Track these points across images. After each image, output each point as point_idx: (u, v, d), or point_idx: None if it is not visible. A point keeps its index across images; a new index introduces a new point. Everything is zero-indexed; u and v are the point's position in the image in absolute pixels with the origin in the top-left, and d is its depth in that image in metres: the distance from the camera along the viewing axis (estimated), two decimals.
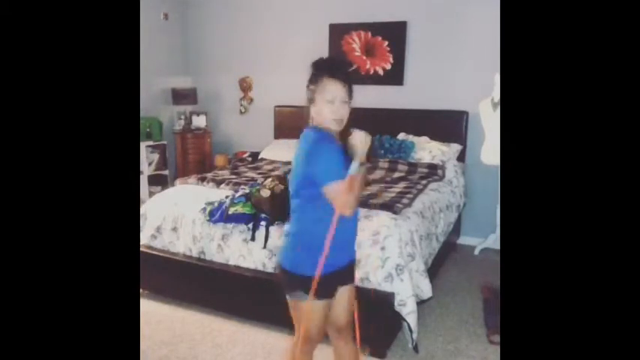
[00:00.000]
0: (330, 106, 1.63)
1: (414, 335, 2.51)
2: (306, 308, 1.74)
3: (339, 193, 1.58)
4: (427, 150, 4.02)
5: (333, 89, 1.63)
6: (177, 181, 3.78)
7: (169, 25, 5.21)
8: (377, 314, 2.44)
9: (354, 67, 4.48)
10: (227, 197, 3.02)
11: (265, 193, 2.79)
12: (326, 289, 1.73)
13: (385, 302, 2.46)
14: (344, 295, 1.84)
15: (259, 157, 4.64)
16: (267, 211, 2.79)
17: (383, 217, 2.72)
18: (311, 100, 1.68)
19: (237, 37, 5.12)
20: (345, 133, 1.68)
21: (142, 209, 3.26)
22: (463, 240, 4.35)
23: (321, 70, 1.67)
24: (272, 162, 4.36)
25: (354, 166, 1.59)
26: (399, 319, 2.52)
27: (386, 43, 4.40)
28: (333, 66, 1.68)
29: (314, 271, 1.66)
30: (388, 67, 4.43)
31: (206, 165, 5.13)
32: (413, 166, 3.85)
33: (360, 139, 1.61)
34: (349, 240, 1.79)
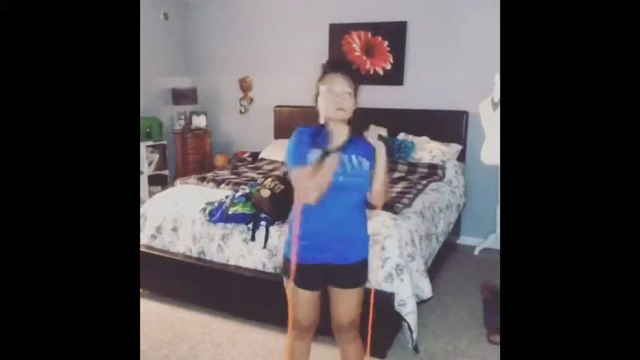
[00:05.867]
0: (329, 95, 1.68)
1: (414, 335, 2.51)
2: (289, 291, 1.84)
3: (298, 179, 1.67)
4: (427, 150, 4.02)
5: (332, 80, 1.68)
6: (177, 181, 3.78)
7: (169, 25, 5.20)
8: (377, 314, 2.43)
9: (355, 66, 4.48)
10: (227, 197, 3.02)
11: (265, 193, 2.79)
12: (303, 278, 1.78)
13: (385, 302, 2.46)
14: (342, 297, 1.85)
15: (259, 157, 4.64)
16: (267, 211, 2.79)
17: (383, 217, 2.72)
18: (316, 96, 1.73)
19: (237, 37, 5.12)
20: (355, 127, 1.73)
21: (142, 209, 3.26)
22: (463, 240, 4.35)
23: (326, 67, 1.74)
24: (272, 162, 4.35)
25: (315, 154, 1.65)
26: (399, 319, 2.52)
27: (386, 43, 4.40)
28: (335, 62, 1.75)
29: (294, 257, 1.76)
30: (388, 67, 4.44)
31: (206, 165, 5.13)
32: (413, 166, 3.85)
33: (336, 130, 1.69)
34: (329, 235, 1.75)
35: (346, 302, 1.85)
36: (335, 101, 1.67)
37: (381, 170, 1.70)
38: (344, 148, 1.68)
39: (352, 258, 1.81)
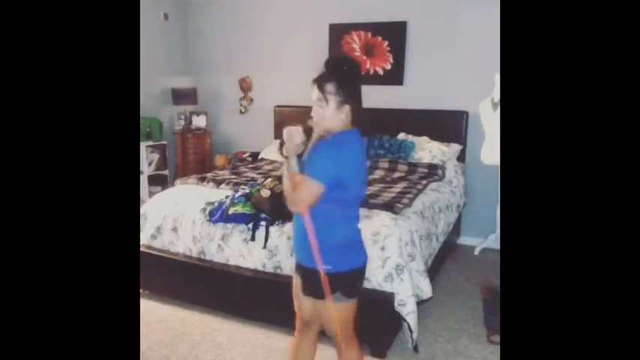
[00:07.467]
0: (313, 107, 1.70)
1: (414, 335, 2.51)
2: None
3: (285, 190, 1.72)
4: (427, 150, 4.02)
5: (311, 91, 1.68)
6: (177, 181, 3.78)
7: (169, 25, 5.20)
8: (377, 314, 2.44)
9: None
10: (227, 197, 3.02)
11: (265, 193, 2.79)
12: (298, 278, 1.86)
13: (385, 302, 2.46)
14: (318, 306, 1.79)
15: (259, 157, 4.65)
16: (267, 211, 2.79)
17: (383, 217, 2.72)
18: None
19: (237, 37, 5.12)
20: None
21: (142, 209, 3.26)
22: (463, 240, 4.35)
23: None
24: (272, 162, 4.36)
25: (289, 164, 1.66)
26: (399, 319, 2.52)
27: (386, 43, 4.40)
28: (324, 67, 1.70)
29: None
30: (388, 67, 4.43)
31: (206, 165, 5.13)
32: (413, 166, 3.85)
33: (285, 134, 1.66)
34: (299, 241, 1.78)
35: (325, 313, 1.78)
36: (312, 111, 1.69)
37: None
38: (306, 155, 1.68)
39: (308, 261, 1.73)
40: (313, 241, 1.65)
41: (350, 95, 1.68)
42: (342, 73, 1.67)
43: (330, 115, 1.67)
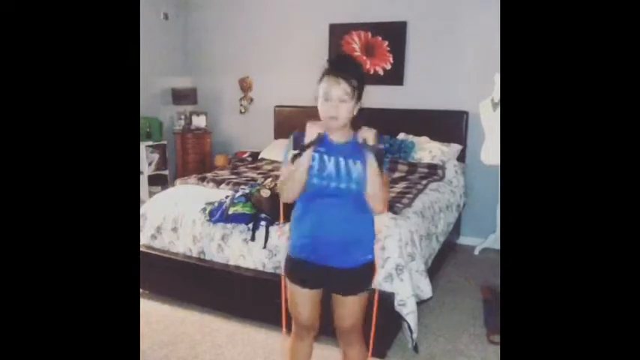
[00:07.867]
0: (325, 104, 1.63)
1: (414, 335, 2.51)
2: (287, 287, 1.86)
3: (280, 178, 1.77)
4: (427, 150, 4.02)
5: (327, 86, 1.62)
6: (178, 181, 3.78)
7: (169, 25, 5.20)
8: (377, 314, 2.43)
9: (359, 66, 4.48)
10: (227, 197, 3.02)
11: (265, 193, 2.79)
12: (291, 272, 1.81)
13: (385, 302, 2.46)
14: (340, 302, 1.79)
15: (259, 157, 4.65)
16: (267, 211, 2.79)
17: (383, 217, 2.72)
18: (315, 98, 1.68)
19: (237, 37, 5.12)
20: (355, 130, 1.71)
21: (142, 209, 3.26)
22: (463, 240, 4.35)
23: (327, 67, 1.67)
24: (272, 162, 4.36)
25: (289, 154, 1.66)
26: (399, 319, 2.52)
27: (386, 43, 4.40)
28: (336, 63, 1.67)
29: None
30: (388, 67, 4.44)
31: (206, 165, 5.13)
32: (413, 166, 3.85)
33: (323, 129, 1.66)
34: (324, 239, 1.71)
35: (345, 307, 1.79)
36: (328, 109, 1.62)
37: (372, 175, 1.63)
38: (338, 152, 1.66)
39: (348, 262, 1.73)
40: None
41: (361, 95, 1.69)
42: (360, 71, 1.71)
43: (350, 111, 1.66)
